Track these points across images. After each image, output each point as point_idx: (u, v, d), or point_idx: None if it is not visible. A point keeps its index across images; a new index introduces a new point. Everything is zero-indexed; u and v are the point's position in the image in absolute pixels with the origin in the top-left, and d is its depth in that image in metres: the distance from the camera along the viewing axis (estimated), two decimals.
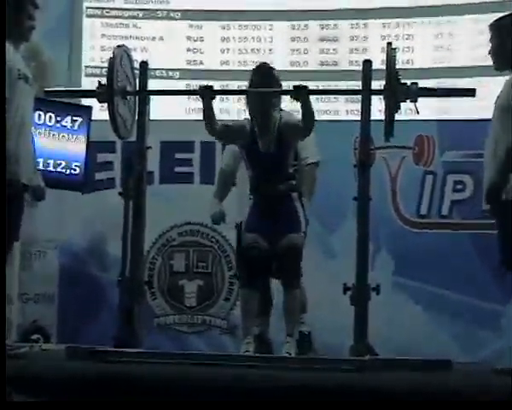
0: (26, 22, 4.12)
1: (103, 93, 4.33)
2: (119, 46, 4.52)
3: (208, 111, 4.26)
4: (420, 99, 4.18)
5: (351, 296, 4.11)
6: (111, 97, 4.30)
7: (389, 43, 4.23)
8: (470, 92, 4.35)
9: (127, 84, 4.46)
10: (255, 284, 4.36)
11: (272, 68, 4.40)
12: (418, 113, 4.20)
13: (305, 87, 4.21)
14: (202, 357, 4.20)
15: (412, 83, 4.17)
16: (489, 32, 4.17)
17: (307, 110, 4.18)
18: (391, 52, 4.17)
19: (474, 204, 5.68)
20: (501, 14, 4.20)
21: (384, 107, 4.18)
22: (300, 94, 4.18)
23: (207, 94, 4.26)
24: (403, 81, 4.17)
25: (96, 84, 4.38)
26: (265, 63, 4.46)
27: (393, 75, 4.15)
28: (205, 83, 4.35)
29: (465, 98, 5.61)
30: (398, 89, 4.15)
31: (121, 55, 4.41)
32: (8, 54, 3.99)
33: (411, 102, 4.17)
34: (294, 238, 4.30)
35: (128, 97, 4.47)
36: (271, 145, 4.30)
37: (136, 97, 4.50)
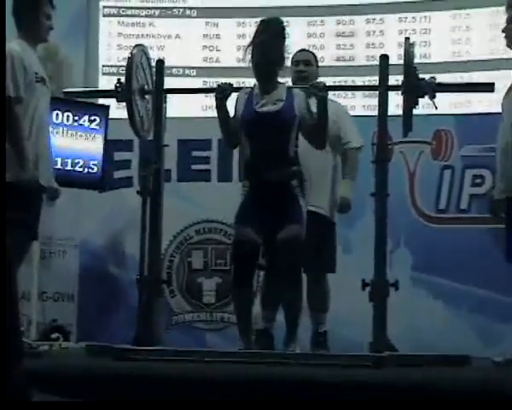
0: (44, 22, 4.14)
1: (122, 93, 4.35)
2: (136, 45, 4.54)
3: (222, 112, 4.17)
4: (438, 93, 4.16)
5: (369, 292, 4.11)
6: (129, 97, 4.31)
7: (407, 38, 4.21)
8: (489, 87, 4.33)
9: (145, 83, 4.47)
10: (247, 284, 4.10)
11: (282, 23, 4.17)
12: (436, 108, 4.18)
13: (323, 83, 4.18)
14: (220, 354, 4.20)
15: (430, 78, 4.15)
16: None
17: (323, 107, 4.13)
18: (409, 47, 4.16)
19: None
20: None
21: (402, 102, 4.17)
22: (318, 90, 4.15)
23: (224, 91, 4.18)
24: (421, 76, 4.15)
25: (114, 83, 4.41)
26: (276, 19, 4.22)
27: (411, 70, 4.13)
28: (222, 80, 4.33)
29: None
30: (417, 84, 4.13)
31: (139, 55, 4.43)
32: (25, 55, 4.01)
33: (429, 97, 4.15)
34: (295, 230, 4.01)
35: (146, 96, 4.48)
36: (271, 106, 4.10)
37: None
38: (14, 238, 3.52)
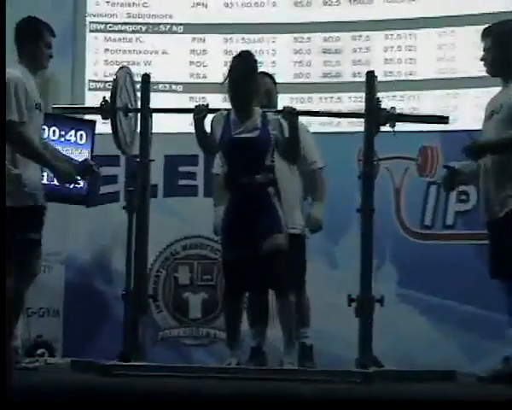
0: (45, 51, 4.24)
1: (106, 110, 4.44)
2: (121, 68, 4.65)
3: (200, 129, 4.35)
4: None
5: (355, 308, 4.12)
6: (114, 114, 4.39)
7: (369, 72, 4.37)
8: (444, 120, 4.54)
9: (128, 102, 4.59)
10: (239, 299, 4.31)
11: (253, 58, 4.39)
12: (395, 136, 4.30)
13: (294, 109, 4.30)
14: (206, 370, 4.20)
15: (391, 108, 4.29)
16: (485, 38, 4.28)
17: (294, 130, 4.26)
18: (371, 79, 4.31)
19: (478, 215, 5.67)
20: None
21: (364, 129, 4.31)
22: (289, 115, 4.27)
23: (201, 112, 4.34)
24: (383, 107, 4.29)
25: (100, 100, 4.48)
26: (247, 54, 4.42)
27: (373, 101, 4.28)
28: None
29: (469, 109, 5.70)
30: (378, 114, 4.27)
31: (123, 76, 4.55)
32: (27, 82, 4.08)
33: (389, 126, 4.29)
34: (278, 239, 4.20)
35: (129, 114, 4.57)
36: (248, 133, 4.27)
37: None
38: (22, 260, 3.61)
